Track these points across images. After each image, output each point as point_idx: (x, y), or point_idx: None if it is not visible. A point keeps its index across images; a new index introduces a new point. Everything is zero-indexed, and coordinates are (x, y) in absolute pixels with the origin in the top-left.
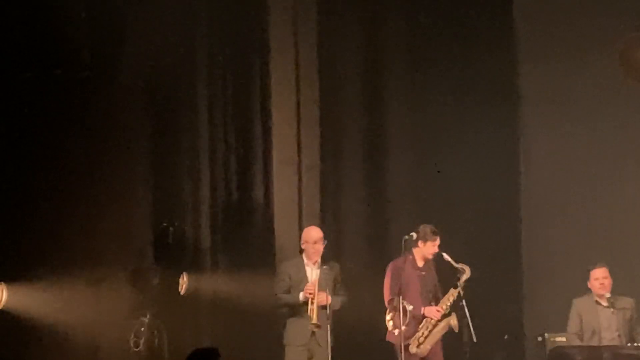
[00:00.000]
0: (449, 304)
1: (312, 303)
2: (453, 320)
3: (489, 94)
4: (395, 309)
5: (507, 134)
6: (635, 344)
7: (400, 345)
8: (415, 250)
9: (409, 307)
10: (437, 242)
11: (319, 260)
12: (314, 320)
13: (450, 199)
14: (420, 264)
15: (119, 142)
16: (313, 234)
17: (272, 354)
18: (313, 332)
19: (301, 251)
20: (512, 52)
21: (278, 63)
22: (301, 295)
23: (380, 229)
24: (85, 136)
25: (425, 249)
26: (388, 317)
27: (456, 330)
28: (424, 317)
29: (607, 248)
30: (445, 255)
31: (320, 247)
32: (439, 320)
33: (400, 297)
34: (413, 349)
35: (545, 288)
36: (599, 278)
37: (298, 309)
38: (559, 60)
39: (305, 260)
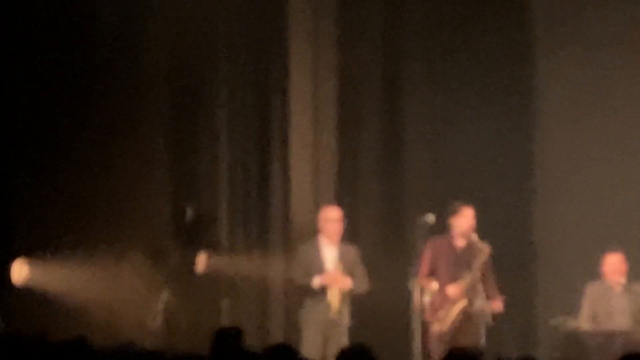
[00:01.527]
0: (466, 285)
1: (332, 294)
2: (464, 303)
3: (507, 78)
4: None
5: (524, 118)
6: None
7: (417, 324)
8: (453, 229)
9: (434, 287)
10: (467, 213)
11: (337, 240)
12: (334, 310)
13: (466, 182)
14: (459, 242)
15: (140, 122)
16: (333, 213)
17: (289, 334)
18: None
19: (317, 233)
20: (529, 37)
21: (296, 43)
22: (316, 280)
23: (398, 211)
24: (107, 116)
25: (457, 224)
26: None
27: (470, 310)
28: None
29: (623, 232)
30: (473, 234)
31: (340, 226)
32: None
33: (415, 278)
34: (435, 327)
35: (559, 272)
36: (614, 264)
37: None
38: (576, 46)
39: (324, 241)
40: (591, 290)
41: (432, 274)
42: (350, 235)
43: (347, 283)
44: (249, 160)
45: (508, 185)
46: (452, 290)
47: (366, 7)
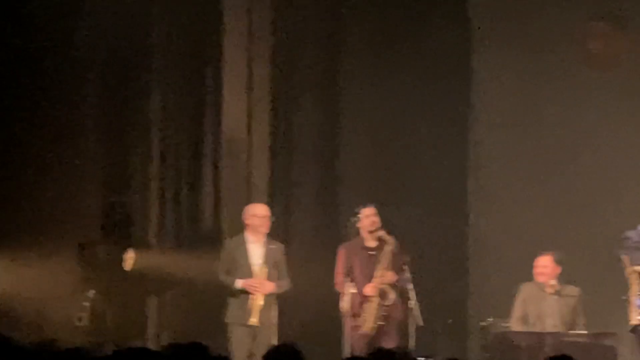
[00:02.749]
0: (383, 281)
1: (253, 299)
2: (377, 301)
3: (443, 82)
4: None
5: (459, 122)
6: (577, 332)
7: (342, 329)
8: (361, 232)
9: (352, 289)
10: (370, 213)
11: (265, 238)
12: (254, 319)
13: (400, 182)
14: (370, 243)
15: (70, 115)
16: (259, 209)
17: (218, 332)
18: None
19: (244, 229)
20: (467, 39)
21: (231, 37)
22: (238, 283)
23: (331, 210)
24: (36, 108)
25: (362, 225)
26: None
27: (388, 303)
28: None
29: (557, 235)
30: (381, 231)
31: (267, 222)
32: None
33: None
34: (361, 330)
35: (491, 273)
36: (539, 266)
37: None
38: (515, 47)
39: (250, 238)
40: (523, 291)
41: (349, 277)
42: (284, 234)
43: (269, 288)
44: (180, 156)
45: (442, 188)
46: (369, 289)
47: (305, 3)
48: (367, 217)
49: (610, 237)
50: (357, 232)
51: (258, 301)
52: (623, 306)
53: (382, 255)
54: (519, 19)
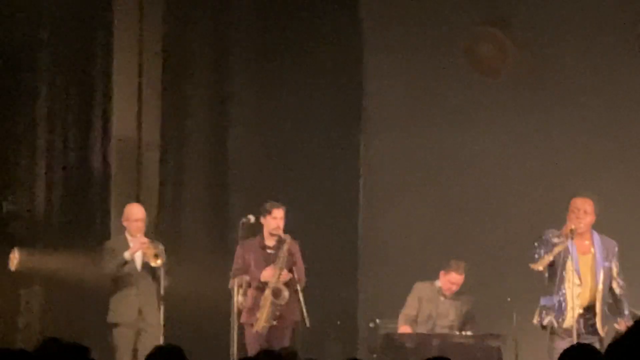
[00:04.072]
0: (277, 272)
1: (145, 251)
2: (269, 297)
3: (335, 83)
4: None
5: (350, 122)
6: (464, 333)
7: (231, 330)
8: (264, 229)
9: (244, 281)
10: (278, 215)
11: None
12: (155, 263)
13: (291, 184)
14: (269, 242)
15: None
16: (135, 211)
17: (104, 333)
18: (140, 311)
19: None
20: (358, 42)
21: (122, 37)
22: (127, 254)
23: (221, 212)
24: None
25: (267, 224)
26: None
27: (282, 302)
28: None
29: (447, 238)
30: (283, 234)
31: (142, 225)
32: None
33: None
34: (253, 329)
35: (381, 274)
36: (456, 284)
37: (121, 286)
38: (407, 50)
39: (129, 238)
40: (419, 289)
41: (245, 274)
42: (174, 235)
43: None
44: (69, 155)
45: (333, 190)
46: (265, 272)
47: (195, 6)
48: (274, 219)
49: (499, 239)
50: (260, 228)
51: (151, 250)
52: (509, 307)
53: (279, 253)
54: (410, 23)
